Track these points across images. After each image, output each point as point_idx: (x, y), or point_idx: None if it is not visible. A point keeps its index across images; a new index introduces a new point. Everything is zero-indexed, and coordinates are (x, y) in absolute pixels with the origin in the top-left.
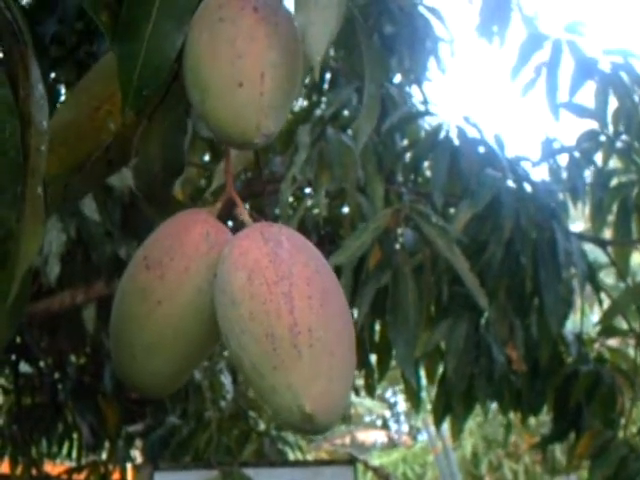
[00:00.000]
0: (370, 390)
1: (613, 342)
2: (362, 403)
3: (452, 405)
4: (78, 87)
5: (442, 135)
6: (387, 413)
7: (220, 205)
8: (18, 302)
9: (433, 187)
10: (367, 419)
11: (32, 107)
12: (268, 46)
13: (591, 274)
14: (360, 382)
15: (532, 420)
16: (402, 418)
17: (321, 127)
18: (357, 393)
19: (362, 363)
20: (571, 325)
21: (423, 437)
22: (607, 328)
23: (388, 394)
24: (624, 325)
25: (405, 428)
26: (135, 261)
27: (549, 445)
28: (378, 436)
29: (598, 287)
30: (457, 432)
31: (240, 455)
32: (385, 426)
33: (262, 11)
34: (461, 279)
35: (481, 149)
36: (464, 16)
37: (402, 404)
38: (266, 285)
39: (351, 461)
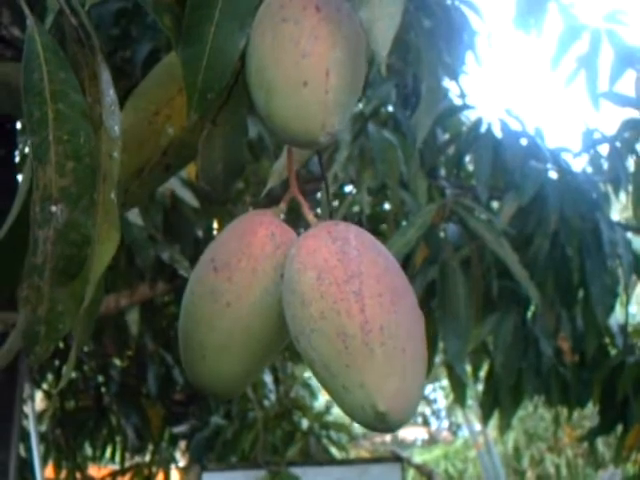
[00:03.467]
0: None
1: None
2: None
3: (500, 400)
4: (136, 92)
5: (484, 128)
6: (427, 410)
7: (285, 206)
8: (93, 306)
9: (477, 181)
10: None
11: (103, 113)
12: (332, 45)
13: (636, 264)
14: None
15: (574, 413)
16: (442, 414)
17: (361, 124)
18: None
19: None
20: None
21: (464, 433)
22: None
23: (428, 390)
24: None
25: (445, 424)
26: (203, 263)
27: (594, 438)
28: (418, 433)
29: None
30: (505, 426)
31: (285, 454)
32: (425, 423)
33: (324, 10)
34: (507, 273)
35: (523, 141)
36: (501, 8)
37: (442, 400)
38: (336, 284)
39: (398, 458)
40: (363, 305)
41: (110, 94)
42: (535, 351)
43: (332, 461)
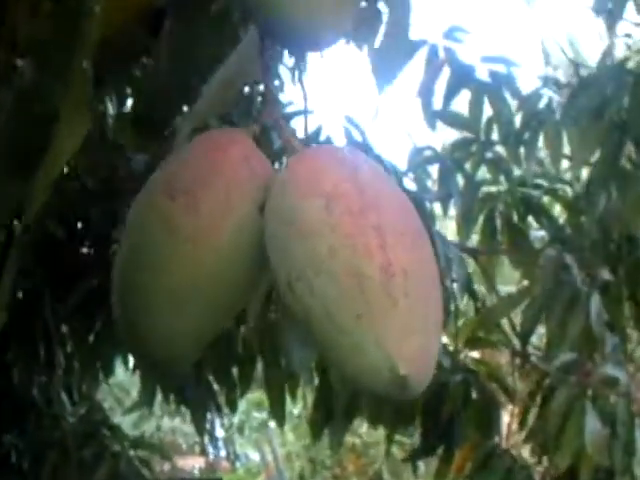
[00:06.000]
0: (232, 405)
1: (476, 354)
2: (180, 429)
3: (332, 417)
4: None
5: (324, 136)
6: (205, 439)
7: (259, 127)
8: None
9: None
10: (184, 445)
11: None
12: None
13: (468, 283)
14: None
15: (357, 440)
16: (220, 444)
17: None
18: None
19: (223, 376)
20: None
21: (242, 462)
22: (474, 339)
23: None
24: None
25: (223, 454)
26: (152, 189)
27: (417, 460)
28: (196, 462)
29: (474, 296)
30: (336, 445)
31: (95, 476)
32: (203, 452)
33: None
34: None
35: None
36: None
37: (220, 430)
38: (349, 215)
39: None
40: (384, 242)
41: None
42: None
43: None
